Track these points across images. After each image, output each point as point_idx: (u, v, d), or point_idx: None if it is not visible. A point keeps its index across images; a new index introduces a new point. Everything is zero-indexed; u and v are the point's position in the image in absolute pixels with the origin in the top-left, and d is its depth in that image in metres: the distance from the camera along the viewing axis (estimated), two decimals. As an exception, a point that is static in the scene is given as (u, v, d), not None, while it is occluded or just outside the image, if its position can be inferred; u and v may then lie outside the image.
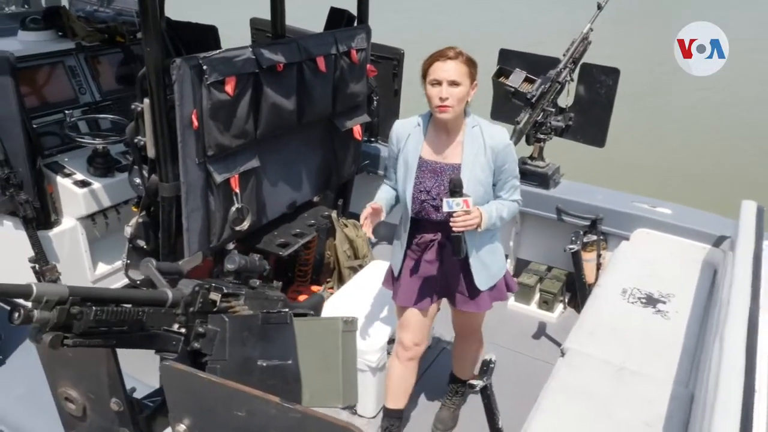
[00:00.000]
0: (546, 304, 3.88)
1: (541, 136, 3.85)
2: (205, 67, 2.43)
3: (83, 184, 3.40)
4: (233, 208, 2.78)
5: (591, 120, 3.85)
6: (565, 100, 3.87)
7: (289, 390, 1.37)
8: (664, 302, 3.05)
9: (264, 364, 1.41)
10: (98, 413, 1.51)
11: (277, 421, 1.23)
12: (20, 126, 3.05)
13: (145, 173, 2.69)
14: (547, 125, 3.79)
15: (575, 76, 3.83)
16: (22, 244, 3.29)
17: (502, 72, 3.89)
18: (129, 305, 1.27)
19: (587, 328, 2.87)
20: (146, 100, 2.51)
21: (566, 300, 3.99)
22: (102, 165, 3.47)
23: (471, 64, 2.34)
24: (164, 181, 2.53)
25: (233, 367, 1.42)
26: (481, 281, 2.55)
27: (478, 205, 2.36)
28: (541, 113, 3.74)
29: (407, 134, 2.47)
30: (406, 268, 2.59)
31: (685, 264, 3.40)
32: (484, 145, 2.39)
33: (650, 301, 3.06)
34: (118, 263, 3.70)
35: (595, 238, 3.69)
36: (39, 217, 3.24)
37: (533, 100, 3.65)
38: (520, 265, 4.24)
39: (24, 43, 3.70)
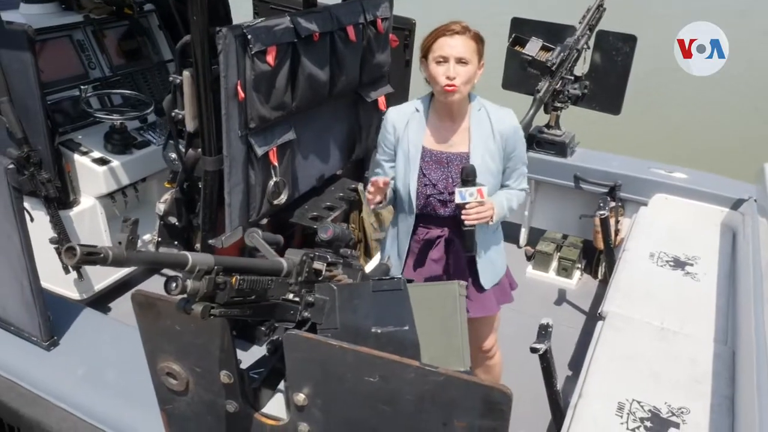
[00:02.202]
0: (565, 271, 3.94)
1: (559, 105, 3.87)
2: (249, 37, 2.37)
3: (102, 161, 3.32)
4: (271, 182, 2.74)
5: (607, 87, 3.87)
6: (581, 68, 3.89)
7: (408, 356, 1.36)
8: (692, 264, 3.13)
9: (378, 331, 1.40)
10: (203, 387, 1.49)
11: (414, 385, 1.23)
12: (39, 103, 2.94)
13: (182, 148, 2.63)
14: (565, 93, 3.81)
15: (591, 43, 3.85)
16: (41, 224, 3.19)
17: (517, 40, 3.88)
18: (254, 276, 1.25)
19: (623, 292, 2.92)
20: (185, 72, 2.44)
21: (582, 266, 4.06)
22: (120, 142, 3.39)
23: (479, 40, 2.13)
24: (207, 154, 2.47)
25: (345, 336, 1.41)
26: (486, 279, 2.36)
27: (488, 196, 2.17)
28: (560, 81, 3.75)
29: (405, 121, 2.22)
30: (408, 268, 2.37)
31: (704, 227, 3.48)
32: (492, 130, 2.20)
33: (678, 263, 3.13)
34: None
35: (613, 204, 3.75)
36: (60, 196, 3.14)
37: (553, 68, 3.65)
38: (534, 234, 4.28)
39: (27, 16, 3.54)
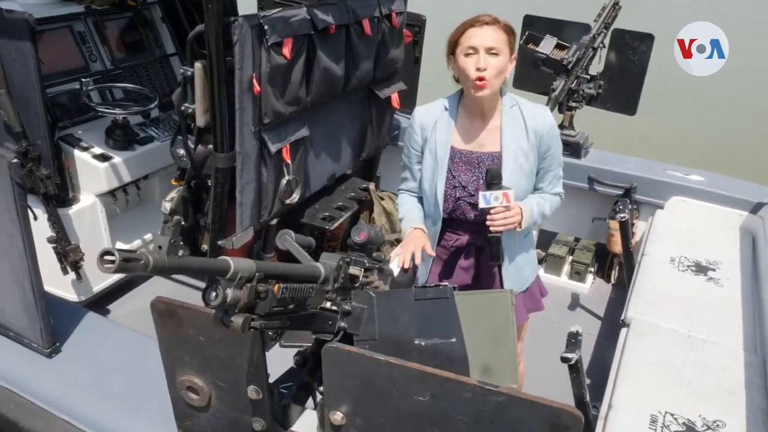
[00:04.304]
0: (578, 275, 3.85)
1: (573, 104, 3.77)
2: (266, 27, 2.25)
3: (103, 158, 3.19)
4: (284, 180, 2.62)
5: (622, 87, 3.78)
6: (596, 67, 3.80)
7: (455, 371, 1.24)
8: (714, 269, 3.03)
9: (422, 344, 1.29)
10: (227, 403, 1.37)
11: (471, 405, 1.11)
12: (39, 96, 2.81)
13: (191, 144, 2.51)
14: (580, 93, 3.71)
15: (606, 42, 3.75)
16: (38, 223, 3.05)
17: (531, 38, 3.78)
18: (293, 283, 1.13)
19: (646, 298, 2.83)
20: (197, 64, 2.31)
21: (595, 270, 3.97)
22: (122, 137, 3.25)
23: (510, 32, 2.02)
24: (219, 151, 2.35)
25: (385, 347, 1.29)
26: (511, 286, 2.21)
27: (520, 199, 2.07)
28: (575, 80, 3.66)
29: (434, 121, 2.11)
30: (433, 276, 2.25)
31: (724, 231, 3.40)
32: (525, 127, 2.07)
33: (700, 268, 3.04)
34: (138, 241, 3.51)
35: (629, 206, 3.65)
36: (59, 193, 3.01)
37: (569, 67, 3.56)
38: (544, 237, 4.18)
39: (25, 6, 3.38)
